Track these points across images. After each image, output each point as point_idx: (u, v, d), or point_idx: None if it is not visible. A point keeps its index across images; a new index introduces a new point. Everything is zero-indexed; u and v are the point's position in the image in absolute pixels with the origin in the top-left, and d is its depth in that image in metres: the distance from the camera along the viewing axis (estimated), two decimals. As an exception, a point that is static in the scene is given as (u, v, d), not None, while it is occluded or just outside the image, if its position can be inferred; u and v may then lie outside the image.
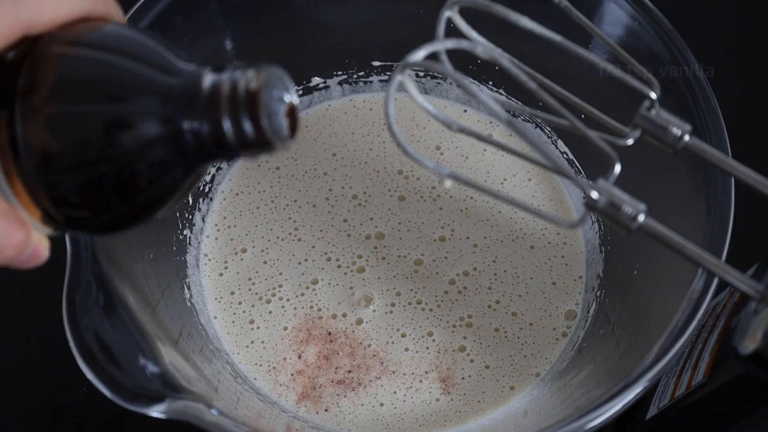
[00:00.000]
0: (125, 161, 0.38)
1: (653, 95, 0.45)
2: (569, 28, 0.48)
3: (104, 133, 0.38)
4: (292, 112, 0.40)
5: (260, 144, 0.38)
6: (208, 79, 0.38)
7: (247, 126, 0.38)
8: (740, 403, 0.50)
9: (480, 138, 0.44)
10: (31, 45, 0.38)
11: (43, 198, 0.39)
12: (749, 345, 0.45)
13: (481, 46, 0.43)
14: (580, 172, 0.69)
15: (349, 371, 0.63)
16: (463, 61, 0.66)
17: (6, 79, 0.38)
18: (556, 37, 0.45)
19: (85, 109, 0.38)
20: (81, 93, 0.38)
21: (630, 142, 0.46)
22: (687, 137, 0.45)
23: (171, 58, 0.39)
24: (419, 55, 0.42)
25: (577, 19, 0.47)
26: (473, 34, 0.46)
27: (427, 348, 0.64)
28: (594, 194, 0.43)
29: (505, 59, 0.43)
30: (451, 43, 0.42)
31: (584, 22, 0.47)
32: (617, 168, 0.43)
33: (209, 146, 0.38)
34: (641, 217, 0.43)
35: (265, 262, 0.66)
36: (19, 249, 0.39)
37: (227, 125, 0.38)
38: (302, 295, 0.65)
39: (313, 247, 0.67)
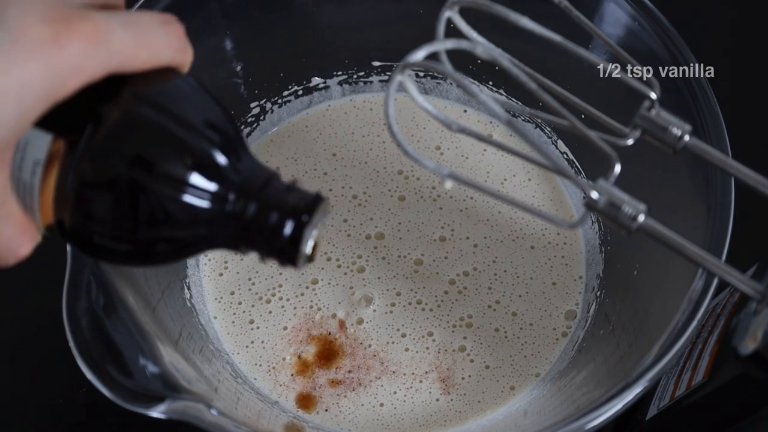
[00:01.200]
0: (160, 224, 0.39)
1: (653, 95, 0.45)
2: (569, 28, 0.48)
3: (149, 194, 0.39)
4: (317, 243, 0.42)
5: (286, 249, 0.40)
6: (268, 179, 0.40)
7: (288, 229, 0.40)
8: (740, 403, 0.50)
9: (480, 138, 0.44)
10: (119, 78, 0.39)
11: (65, 215, 0.39)
12: (749, 345, 0.45)
13: (481, 46, 0.43)
14: (580, 172, 0.69)
15: (349, 371, 0.63)
16: (463, 61, 0.66)
17: (88, 99, 0.39)
18: (556, 37, 0.45)
19: (137, 173, 0.39)
20: (140, 151, 0.39)
21: (630, 142, 0.46)
22: (687, 137, 0.45)
23: (236, 138, 0.40)
24: (419, 55, 0.42)
25: (577, 19, 0.47)
26: (473, 34, 0.45)
27: (427, 348, 0.64)
28: (594, 194, 0.43)
29: (505, 59, 0.43)
30: (451, 43, 0.42)
31: (584, 22, 0.47)
32: (617, 168, 0.43)
33: (237, 235, 0.40)
34: (641, 218, 0.43)
35: (265, 262, 0.66)
36: (19, 260, 0.40)
37: (273, 219, 0.39)
38: (302, 295, 0.65)
39: (313, 247, 0.67)
